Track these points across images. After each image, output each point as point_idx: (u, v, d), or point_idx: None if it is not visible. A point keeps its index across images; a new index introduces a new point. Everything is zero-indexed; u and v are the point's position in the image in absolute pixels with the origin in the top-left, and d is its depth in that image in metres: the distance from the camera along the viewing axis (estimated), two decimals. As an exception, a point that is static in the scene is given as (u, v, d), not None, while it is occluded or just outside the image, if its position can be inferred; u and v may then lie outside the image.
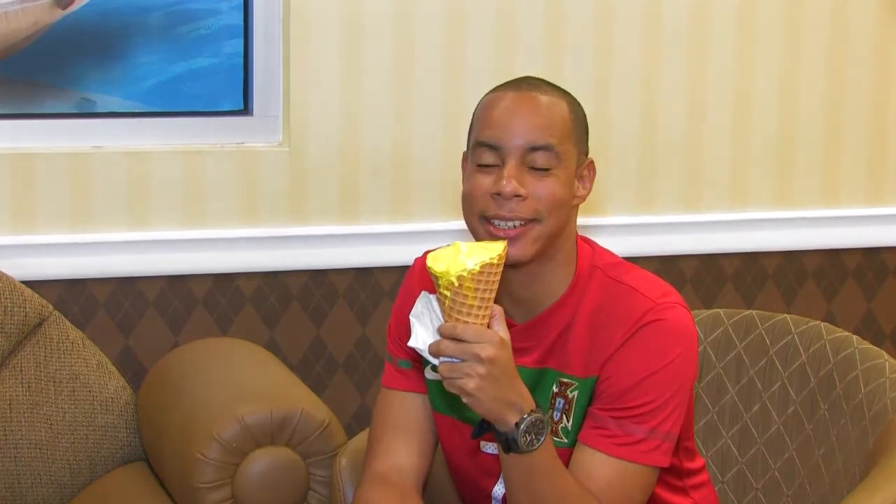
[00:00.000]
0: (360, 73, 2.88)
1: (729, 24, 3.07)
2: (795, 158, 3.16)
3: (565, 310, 2.04)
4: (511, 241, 1.95)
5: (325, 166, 2.88)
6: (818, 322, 2.47)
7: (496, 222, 1.98)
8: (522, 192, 1.96)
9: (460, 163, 2.09)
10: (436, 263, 1.84)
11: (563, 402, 2.04)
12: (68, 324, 2.69)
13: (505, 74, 2.93)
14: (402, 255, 2.95)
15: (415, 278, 2.16)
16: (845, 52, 3.16)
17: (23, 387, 2.63)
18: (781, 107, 3.14)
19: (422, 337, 1.88)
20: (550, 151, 1.97)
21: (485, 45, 2.93)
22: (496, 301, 1.91)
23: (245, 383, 2.57)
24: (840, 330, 2.44)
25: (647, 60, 3.04)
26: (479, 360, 1.83)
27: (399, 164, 2.92)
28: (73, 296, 2.79)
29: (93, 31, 2.82)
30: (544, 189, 1.97)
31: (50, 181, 2.76)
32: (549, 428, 1.93)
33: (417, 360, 2.12)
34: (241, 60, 2.90)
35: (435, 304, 1.89)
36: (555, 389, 2.05)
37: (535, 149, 1.97)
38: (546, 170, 1.97)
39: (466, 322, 1.84)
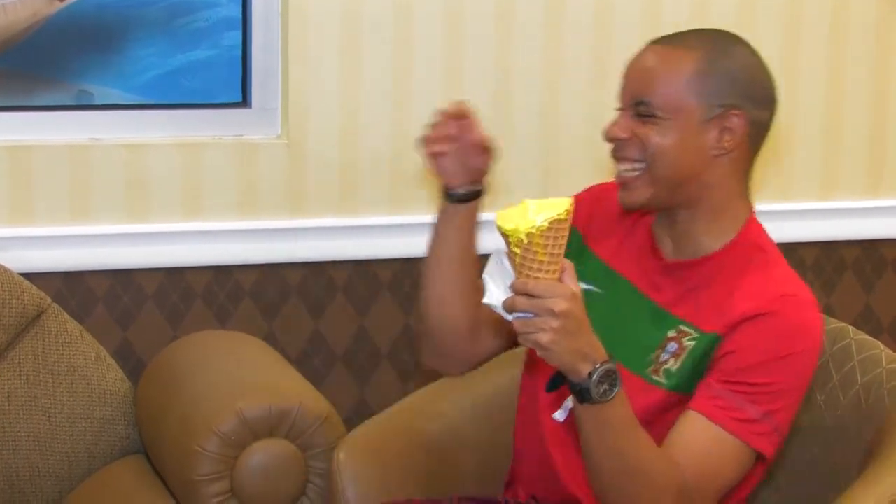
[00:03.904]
0: (360, 66, 2.88)
1: (728, 18, 3.07)
2: (794, 151, 3.16)
3: (710, 267, 2.11)
4: (624, 184, 2.10)
5: (323, 159, 2.88)
6: None
7: (617, 165, 2.12)
8: (622, 135, 2.09)
9: None
10: (504, 221, 1.88)
11: (676, 346, 2.10)
12: (67, 316, 2.69)
13: (504, 65, 2.95)
14: (400, 247, 2.95)
15: (596, 189, 2.31)
16: (845, 44, 3.15)
17: (21, 379, 2.63)
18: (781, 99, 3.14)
19: (496, 295, 1.91)
20: (648, 105, 2.06)
21: (484, 37, 2.93)
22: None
23: (244, 376, 2.57)
24: (836, 320, 2.44)
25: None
26: (552, 314, 1.86)
27: (398, 157, 2.92)
28: (71, 288, 2.79)
29: (91, 24, 2.81)
30: (645, 135, 2.07)
31: (48, 173, 2.75)
32: (621, 381, 1.95)
33: None
34: (239, 53, 2.90)
35: (506, 261, 1.92)
36: (671, 334, 2.11)
37: (637, 102, 2.08)
38: (651, 116, 2.07)
39: (538, 278, 1.87)
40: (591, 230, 2.26)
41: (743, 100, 2.08)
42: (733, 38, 2.13)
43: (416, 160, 2.94)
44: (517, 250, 1.87)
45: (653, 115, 2.06)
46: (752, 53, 2.11)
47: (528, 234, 1.85)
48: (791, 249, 3.18)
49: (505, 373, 2.45)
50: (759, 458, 2.05)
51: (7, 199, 2.75)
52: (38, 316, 2.66)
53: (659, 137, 2.06)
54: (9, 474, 2.62)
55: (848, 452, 2.30)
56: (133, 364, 2.83)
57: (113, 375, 2.69)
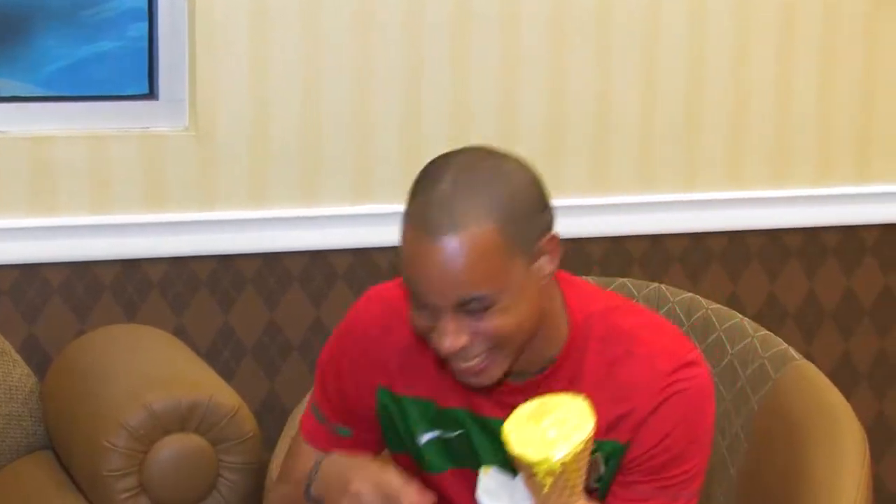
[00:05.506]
0: (269, 57, 2.87)
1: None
2: (701, 142, 3.19)
3: (567, 366, 1.91)
4: (476, 374, 1.83)
5: (232, 151, 2.87)
6: (657, 284, 2.51)
7: (458, 365, 1.83)
8: (462, 342, 1.80)
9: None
10: (527, 451, 1.70)
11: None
12: (-29, 312, 2.66)
13: (415, 57, 2.95)
14: (311, 239, 2.95)
15: (373, 330, 1.98)
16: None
17: (-76, 376, 2.60)
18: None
19: None
20: (480, 300, 1.78)
21: (393, 26, 2.93)
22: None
23: (152, 370, 2.55)
24: (683, 291, 2.48)
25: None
26: None
27: (308, 148, 2.92)
28: (-25, 283, 2.76)
29: (-6, 15, 2.78)
30: (487, 327, 1.79)
31: (-49, 167, 2.72)
32: None
33: (360, 425, 2.02)
34: (145, 44, 2.88)
35: (519, 484, 1.77)
36: None
37: (463, 302, 1.78)
38: (486, 308, 1.79)
39: (570, 500, 1.75)
40: (391, 377, 1.99)
41: (542, 218, 1.83)
42: (488, 160, 1.82)
43: (326, 151, 2.94)
44: (548, 479, 1.71)
45: (490, 306, 1.78)
46: (505, 160, 1.83)
47: (563, 464, 1.70)
48: (699, 239, 3.22)
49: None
50: None
51: None
52: (-58, 311, 2.62)
53: (504, 320, 1.79)
54: (-88, 472, 2.58)
55: (727, 421, 2.36)
56: (39, 359, 2.80)
57: (19, 371, 2.66)
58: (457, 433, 1.96)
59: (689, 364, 1.91)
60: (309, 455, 2.03)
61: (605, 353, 1.91)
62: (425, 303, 1.79)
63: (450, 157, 1.83)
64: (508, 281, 1.78)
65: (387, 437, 2.03)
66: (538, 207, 1.83)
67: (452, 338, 1.79)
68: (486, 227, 1.76)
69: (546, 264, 1.84)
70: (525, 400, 1.87)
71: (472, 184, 1.78)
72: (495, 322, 1.79)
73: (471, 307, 1.77)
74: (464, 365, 1.82)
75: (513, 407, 1.87)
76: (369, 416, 2.01)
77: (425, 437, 1.98)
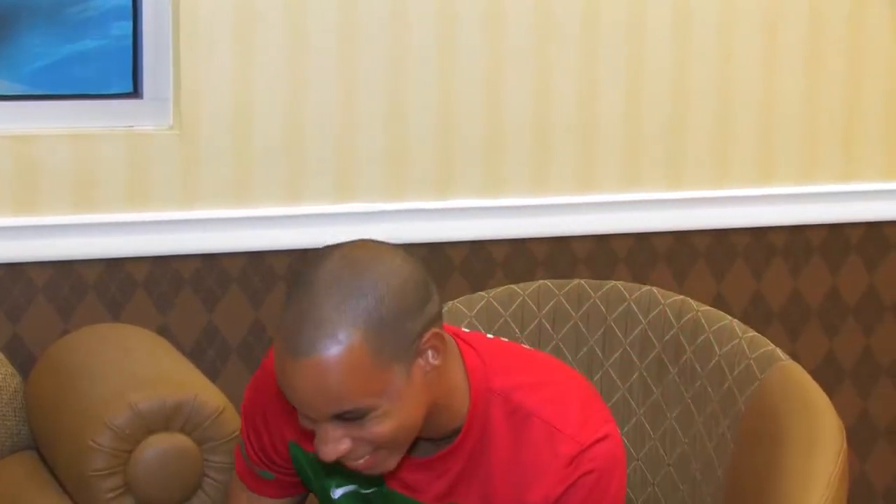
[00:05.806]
0: (253, 56, 2.86)
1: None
2: (685, 141, 3.20)
3: (472, 439, 1.86)
4: (368, 469, 1.79)
5: (217, 150, 2.86)
6: (649, 287, 2.52)
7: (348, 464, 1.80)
8: (343, 449, 1.75)
9: None
10: None
11: None
12: (-46, 311, 2.65)
13: (400, 57, 2.94)
14: (295, 238, 2.94)
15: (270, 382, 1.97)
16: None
17: None
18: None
19: None
20: (354, 412, 1.73)
21: (378, 26, 2.92)
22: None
23: (137, 369, 2.54)
24: (674, 293, 2.49)
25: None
26: None
27: (292, 147, 2.91)
28: (-41, 283, 2.75)
29: (-23, 13, 2.77)
30: (368, 433, 1.74)
31: (-66, 166, 2.71)
32: None
33: (280, 471, 2.03)
34: (130, 42, 2.87)
35: None
36: None
37: (338, 415, 1.73)
38: (364, 416, 1.74)
39: None
40: (299, 433, 1.96)
41: (420, 318, 1.75)
42: (357, 266, 1.74)
43: (311, 149, 2.94)
44: None
45: (367, 414, 1.73)
46: (377, 261, 1.75)
47: None
48: (685, 237, 3.23)
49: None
50: None
51: None
52: (-75, 311, 2.61)
53: (386, 425, 1.74)
54: None
55: (714, 421, 2.36)
56: (23, 359, 2.79)
57: (3, 370, 2.65)
58: (372, 490, 1.94)
59: (595, 443, 1.85)
60: (240, 490, 2.08)
61: (510, 433, 1.86)
62: (304, 413, 1.75)
63: (321, 261, 1.75)
64: (384, 389, 1.73)
65: (304, 485, 2.05)
66: (413, 308, 1.74)
67: (332, 445, 1.74)
68: (354, 341, 1.69)
69: (430, 359, 1.77)
70: (425, 475, 1.86)
71: (337, 298, 1.71)
72: (376, 428, 1.74)
73: (348, 416, 1.73)
74: (352, 464, 1.78)
75: (416, 486, 1.86)
76: (287, 464, 2.02)
77: (339, 492, 1.97)
